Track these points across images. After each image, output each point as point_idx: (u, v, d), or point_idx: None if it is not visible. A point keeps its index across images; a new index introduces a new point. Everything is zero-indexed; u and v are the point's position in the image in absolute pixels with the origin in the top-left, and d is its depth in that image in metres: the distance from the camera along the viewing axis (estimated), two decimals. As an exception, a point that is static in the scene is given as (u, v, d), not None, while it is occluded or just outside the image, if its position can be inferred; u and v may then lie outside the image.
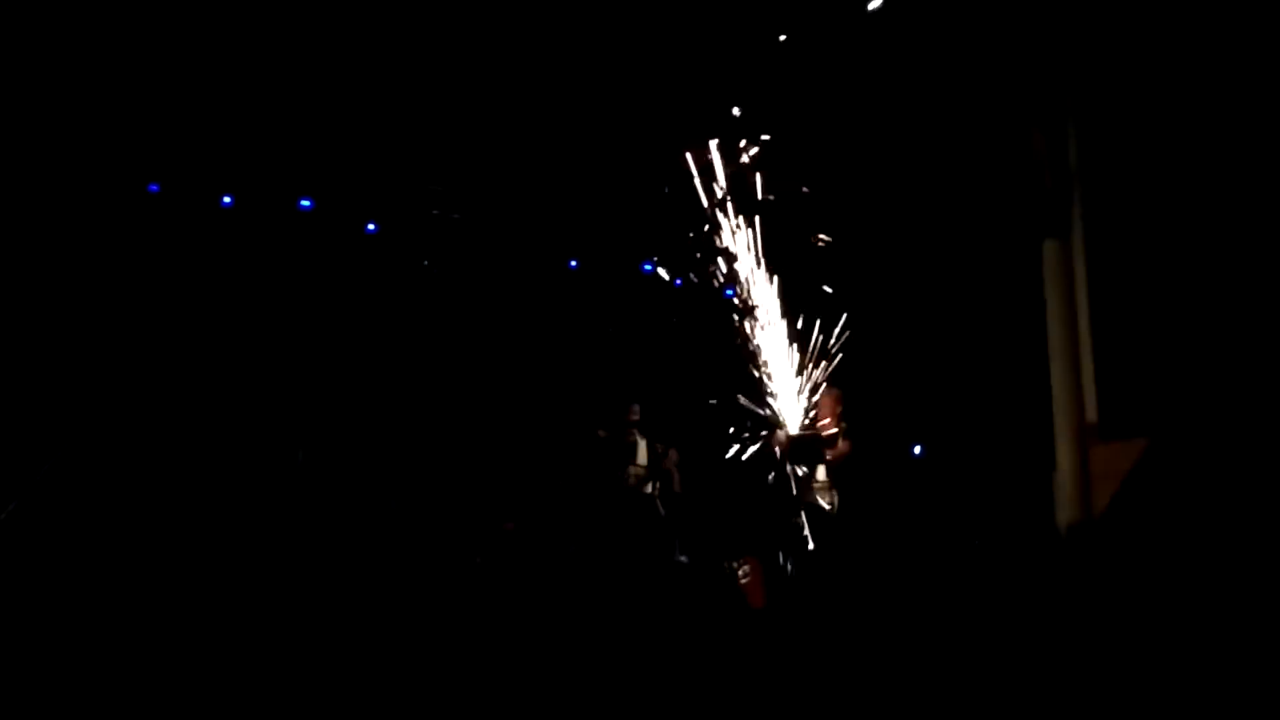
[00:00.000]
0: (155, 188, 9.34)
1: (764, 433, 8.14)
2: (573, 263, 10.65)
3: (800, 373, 8.19)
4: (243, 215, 9.62)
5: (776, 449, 8.05)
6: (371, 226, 10.01)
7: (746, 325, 8.19)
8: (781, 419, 8.16)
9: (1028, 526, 9.14)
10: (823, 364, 8.19)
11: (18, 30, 8.14)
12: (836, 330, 8.20)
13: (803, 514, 7.79)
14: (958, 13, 8.59)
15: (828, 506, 8.01)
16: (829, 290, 8.61)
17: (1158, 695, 5.60)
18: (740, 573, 7.91)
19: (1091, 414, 9.51)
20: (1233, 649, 5.90)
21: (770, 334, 8.23)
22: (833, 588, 7.21)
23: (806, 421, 8.17)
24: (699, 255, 8.35)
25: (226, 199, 9.61)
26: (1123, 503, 8.54)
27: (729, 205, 8.27)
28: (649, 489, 8.91)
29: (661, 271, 9.52)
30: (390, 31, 9.00)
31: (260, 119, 9.32)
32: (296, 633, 5.83)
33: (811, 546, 7.68)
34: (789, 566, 7.57)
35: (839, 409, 8.39)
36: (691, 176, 8.24)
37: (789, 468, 7.98)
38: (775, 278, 8.38)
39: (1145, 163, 9.23)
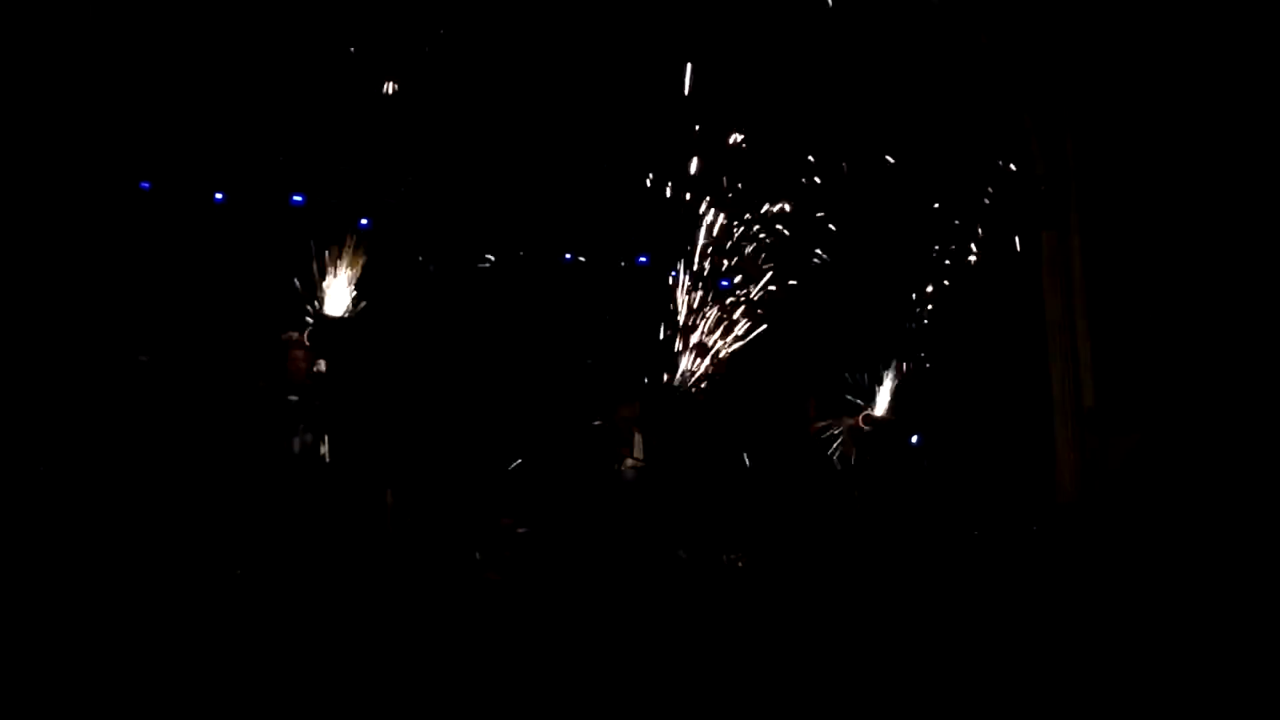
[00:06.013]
0: (147, 185, 9.31)
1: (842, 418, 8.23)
2: (567, 256, 10.65)
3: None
4: (235, 212, 9.60)
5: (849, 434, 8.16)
6: (364, 221, 9.98)
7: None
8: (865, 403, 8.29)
9: (1027, 516, 9.16)
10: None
11: (12, 29, 8.11)
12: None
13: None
14: (958, 9, 8.59)
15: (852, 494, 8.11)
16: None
17: (1154, 682, 5.61)
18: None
19: (1090, 404, 9.57)
20: (1229, 637, 5.91)
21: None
22: (832, 581, 7.22)
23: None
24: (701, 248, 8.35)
25: (218, 195, 9.58)
26: (1121, 492, 8.56)
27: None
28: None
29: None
30: (383, 26, 8.98)
31: (251, 115, 9.30)
32: (298, 631, 5.81)
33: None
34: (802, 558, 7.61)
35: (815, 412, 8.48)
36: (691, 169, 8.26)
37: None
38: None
39: (1142, 157, 9.26)
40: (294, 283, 7.74)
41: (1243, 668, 5.52)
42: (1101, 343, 9.44)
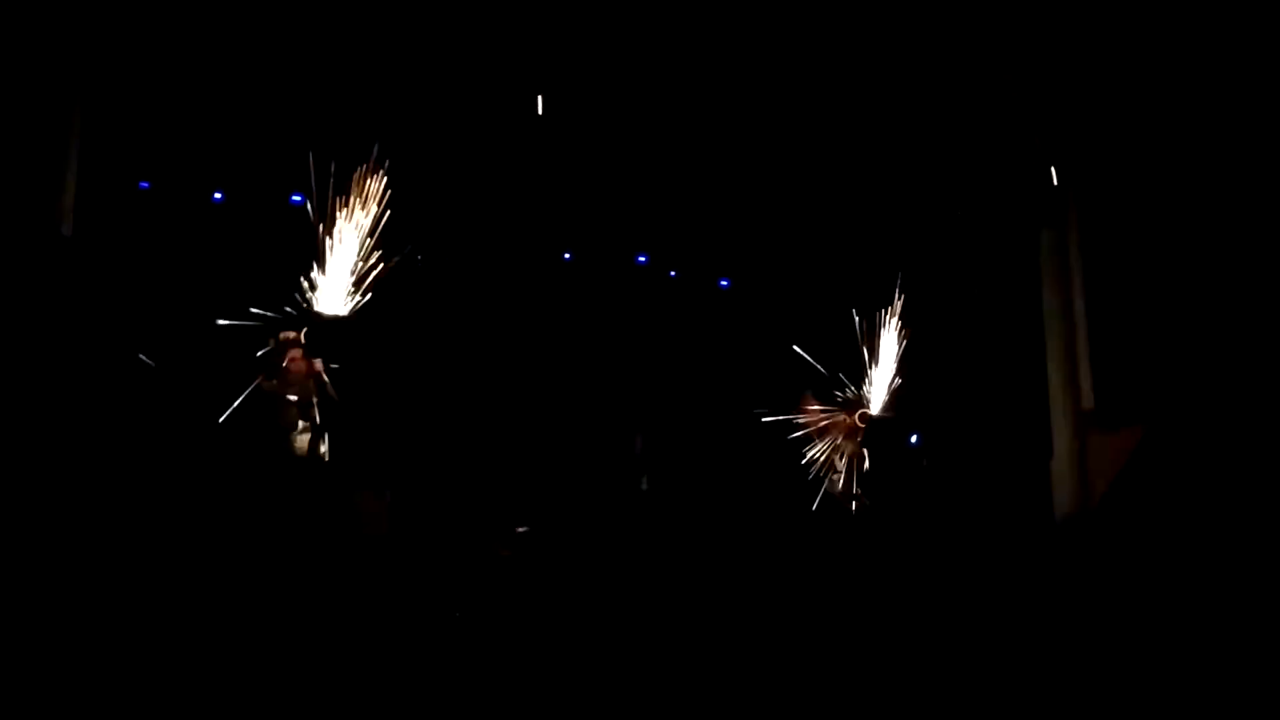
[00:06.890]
0: (146, 185, 9.33)
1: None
2: (566, 255, 10.66)
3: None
4: (234, 211, 9.60)
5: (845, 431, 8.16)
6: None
7: None
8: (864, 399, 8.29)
9: (1025, 514, 9.17)
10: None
11: (12, 28, 8.13)
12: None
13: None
14: (961, 13, 8.60)
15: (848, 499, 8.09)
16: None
17: (1153, 680, 5.62)
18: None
19: (1088, 402, 9.59)
20: (1229, 635, 5.93)
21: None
22: (833, 579, 7.23)
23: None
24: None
25: (217, 195, 9.60)
26: (1119, 489, 8.56)
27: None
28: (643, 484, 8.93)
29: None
30: (381, 25, 8.99)
31: (250, 115, 9.31)
32: (299, 632, 5.82)
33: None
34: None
35: (817, 409, 8.48)
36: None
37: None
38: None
39: (1141, 155, 9.26)
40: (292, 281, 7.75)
41: (1246, 669, 5.53)
42: (1100, 342, 9.44)
